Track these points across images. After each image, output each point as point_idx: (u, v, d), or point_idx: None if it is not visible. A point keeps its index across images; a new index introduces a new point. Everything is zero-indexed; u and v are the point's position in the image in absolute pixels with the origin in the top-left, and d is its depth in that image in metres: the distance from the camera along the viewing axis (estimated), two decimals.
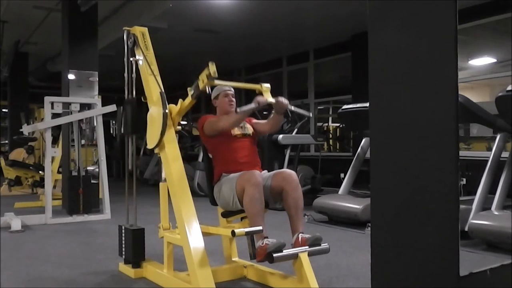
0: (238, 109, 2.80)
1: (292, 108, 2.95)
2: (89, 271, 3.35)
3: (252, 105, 2.82)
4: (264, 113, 8.46)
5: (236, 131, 3.07)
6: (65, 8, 6.90)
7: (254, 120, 3.25)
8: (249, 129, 3.15)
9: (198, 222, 2.77)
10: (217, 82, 2.78)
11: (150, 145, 3.12)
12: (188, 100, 2.95)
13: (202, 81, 2.77)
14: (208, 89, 2.85)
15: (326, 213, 5.36)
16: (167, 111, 3.01)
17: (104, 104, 6.05)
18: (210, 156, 3.15)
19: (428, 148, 1.45)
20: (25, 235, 4.79)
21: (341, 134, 11.26)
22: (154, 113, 3.10)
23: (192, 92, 2.89)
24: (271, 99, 2.87)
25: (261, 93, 2.93)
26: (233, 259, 3.32)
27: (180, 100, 3.06)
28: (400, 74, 1.53)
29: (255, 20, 8.09)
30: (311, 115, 3.11)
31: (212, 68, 2.66)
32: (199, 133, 3.19)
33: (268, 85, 2.95)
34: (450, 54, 1.40)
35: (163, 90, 3.14)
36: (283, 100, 2.87)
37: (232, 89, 3.25)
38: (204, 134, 3.10)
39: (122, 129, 3.38)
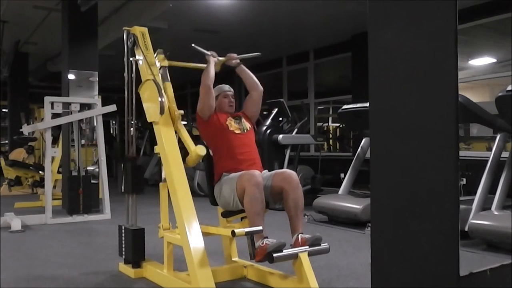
0: (193, 44, 3.22)
1: (241, 56, 3.29)
2: (89, 271, 3.35)
3: (206, 51, 3.21)
4: (264, 113, 8.45)
5: (234, 126, 3.08)
6: (65, 8, 6.90)
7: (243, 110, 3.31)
8: (247, 124, 3.16)
9: (198, 222, 2.77)
10: (172, 63, 3.28)
11: (151, 118, 3.16)
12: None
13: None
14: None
15: (326, 213, 5.36)
16: (163, 99, 3.04)
17: (104, 104, 6.05)
18: (211, 153, 3.15)
19: (428, 148, 1.45)
20: (25, 235, 4.79)
21: (341, 134, 11.26)
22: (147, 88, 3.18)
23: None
24: (221, 58, 3.26)
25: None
26: (233, 259, 3.32)
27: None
28: (400, 74, 1.53)
29: (255, 20, 8.09)
30: (259, 54, 3.31)
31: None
32: (198, 127, 3.20)
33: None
34: (450, 54, 1.40)
35: (162, 90, 3.13)
36: (230, 54, 3.26)
37: (232, 90, 3.26)
38: (202, 121, 3.12)
39: (123, 187, 3.38)
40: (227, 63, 3.27)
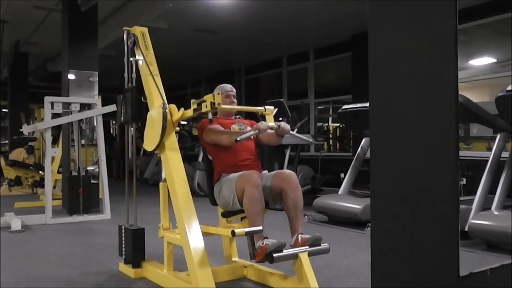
0: (238, 138, 2.75)
1: (294, 133, 3.00)
2: (89, 271, 3.35)
3: (252, 132, 2.84)
4: None
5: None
6: (65, 8, 6.90)
7: (255, 124, 3.23)
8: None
9: (198, 222, 2.77)
10: (220, 107, 2.71)
11: (149, 148, 3.10)
12: (190, 112, 2.92)
13: (206, 106, 2.72)
14: (209, 116, 2.81)
15: (326, 213, 5.36)
16: (167, 110, 3.00)
17: (104, 104, 6.05)
18: (210, 158, 3.15)
19: (428, 148, 1.45)
20: (25, 235, 4.79)
21: (341, 134, 11.26)
22: (154, 114, 3.09)
23: (195, 107, 2.84)
24: (272, 124, 2.86)
25: (263, 117, 2.94)
26: (233, 259, 3.32)
27: (182, 109, 3.03)
28: (400, 74, 1.53)
29: (255, 20, 8.09)
30: (311, 140, 3.13)
31: (218, 98, 2.64)
32: (199, 136, 3.19)
33: (271, 108, 2.93)
34: (450, 54, 1.40)
35: (162, 90, 3.13)
36: (285, 126, 2.88)
37: (234, 90, 3.25)
38: (203, 139, 3.11)
39: (122, 117, 3.34)
40: (275, 131, 2.92)
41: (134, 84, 3.37)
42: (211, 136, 3.02)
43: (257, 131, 2.82)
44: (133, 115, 3.29)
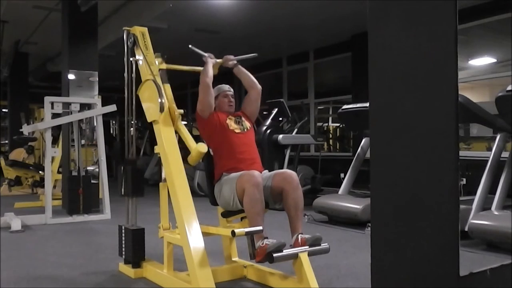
0: (190, 46, 3.18)
1: (239, 57, 3.32)
2: (89, 271, 3.35)
3: (203, 53, 3.22)
4: (264, 113, 8.48)
5: (234, 126, 3.09)
6: (65, 8, 6.91)
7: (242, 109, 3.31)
8: (247, 124, 3.17)
9: (198, 222, 2.77)
10: (169, 66, 3.32)
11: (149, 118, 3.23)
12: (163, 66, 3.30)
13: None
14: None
15: (326, 213, 5.36)
16: (163, 100, 3.06)
17: (104, 104, 6.05)
18: (211, 153, 3.15)
19: (428, 148, 1.45)
20: (25, 235, 4.79)
21: (341, 134, 11.26)
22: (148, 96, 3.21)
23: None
24: (219, 60, 3.26)
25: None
26: (233, 259, 3.32)
27: (167, 86, 3.26)
28: (400, 74, 1.53)
29: (255, 20, 8.09)
30: (256, 54, 3.32)
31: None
32: (199, 126, 3.20)
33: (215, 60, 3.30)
34: (450, 54, 1.40)
35: (163, 90, 3.14)
36: (228, 56, 3.27)
37: (232, 90, 3.27)
38: (202, 120, 3.11)
39: (123, 190, 3.38)
40: (224, 65, 3.28)
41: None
42: (199, 102, 3.08)
43: (206, 55, 3.21)
44: (134, 189, 3.34)
